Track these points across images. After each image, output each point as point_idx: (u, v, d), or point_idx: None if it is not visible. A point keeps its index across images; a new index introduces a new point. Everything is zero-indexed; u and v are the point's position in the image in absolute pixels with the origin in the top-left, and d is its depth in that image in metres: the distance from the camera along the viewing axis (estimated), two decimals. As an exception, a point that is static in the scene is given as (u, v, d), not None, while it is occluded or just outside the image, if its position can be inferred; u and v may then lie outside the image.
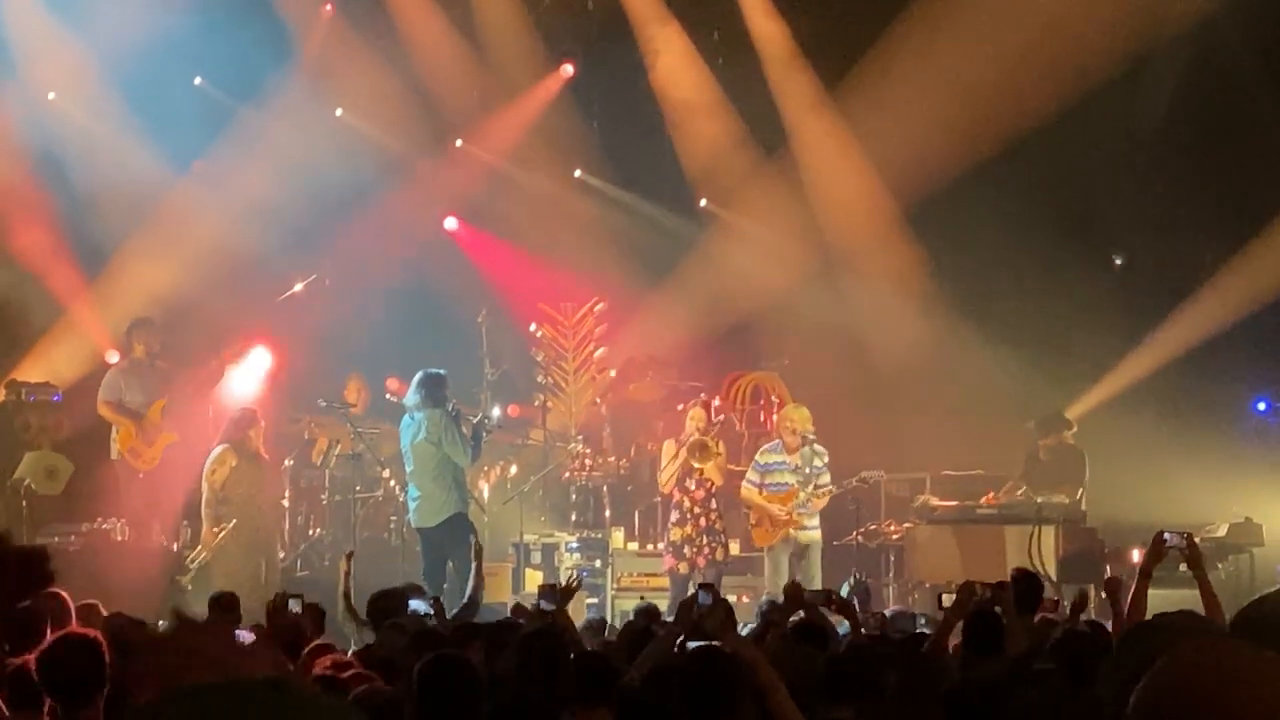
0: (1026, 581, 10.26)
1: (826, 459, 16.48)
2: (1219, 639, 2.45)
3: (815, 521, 16.45)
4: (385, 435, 18.11)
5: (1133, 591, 8.92)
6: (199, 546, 15.70)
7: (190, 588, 15.35)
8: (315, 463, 18.20)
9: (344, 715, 2.35)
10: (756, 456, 16.75)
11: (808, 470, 16.34)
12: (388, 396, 18.62)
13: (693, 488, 16.27)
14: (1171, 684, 2.42)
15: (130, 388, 17.30)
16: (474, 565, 11.97)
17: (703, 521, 16.14)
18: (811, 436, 16.40)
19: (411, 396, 15.68)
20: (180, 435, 17.15)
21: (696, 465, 16.21)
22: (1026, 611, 9.59)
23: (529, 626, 8.54)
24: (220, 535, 15.53)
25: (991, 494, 17.31)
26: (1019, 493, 17.27)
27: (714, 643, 6.88)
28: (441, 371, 15.77)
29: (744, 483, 16.63)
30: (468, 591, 11.93)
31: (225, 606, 10.76)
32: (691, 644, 7.10)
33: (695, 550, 16.11)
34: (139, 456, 17.17)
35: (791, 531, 16.24)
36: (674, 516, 16.50)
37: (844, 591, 12.35)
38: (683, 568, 16.18)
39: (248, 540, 15.71)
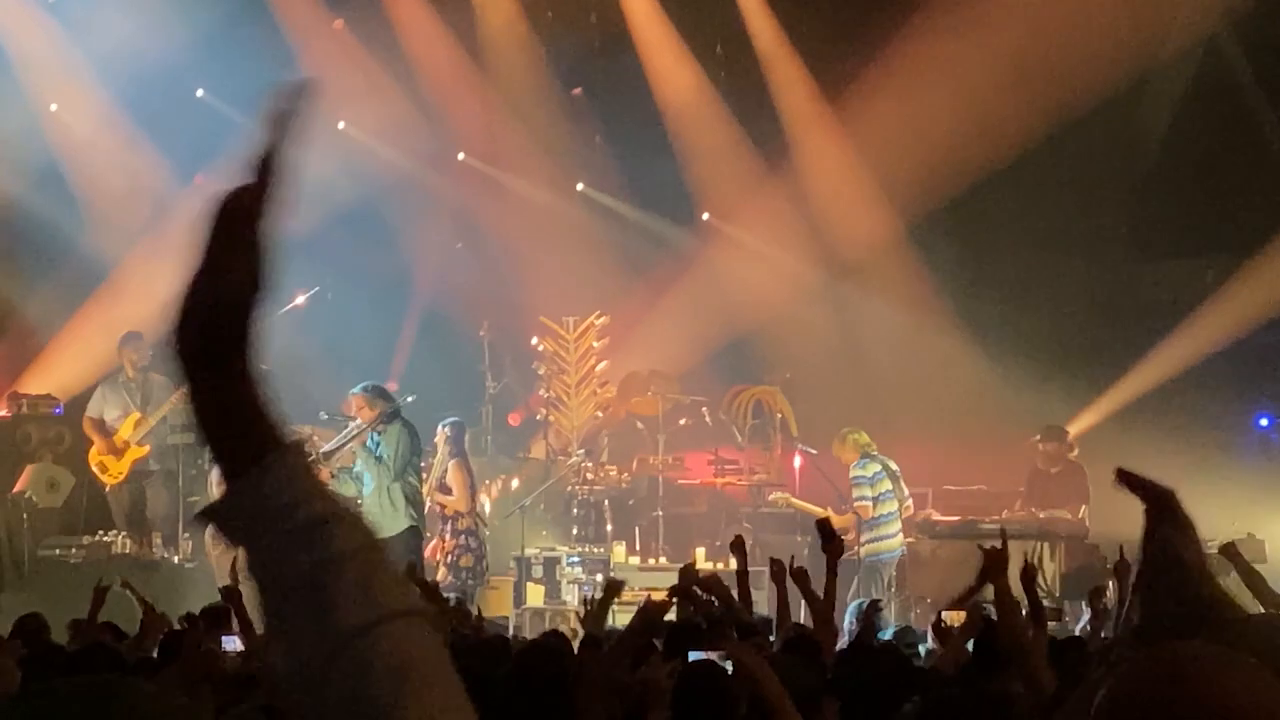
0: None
1: (859, 471, 16.52)
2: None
3: (864, 535, 16.40)
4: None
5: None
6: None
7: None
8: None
9: (184, 714, 2.24)
10: None
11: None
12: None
13: None
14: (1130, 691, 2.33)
15: (110, 403, 17.32)
16: None
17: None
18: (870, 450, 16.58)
19: None
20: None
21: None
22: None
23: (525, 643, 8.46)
24: None
25: (1006, 512, 17.22)
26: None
27: (713, 654, 6.81)
28: (374, 384, 15.82)
29: None
30: None
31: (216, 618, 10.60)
32: (692, 655, 6.98)
33: None
34: (106, 471, 17.19)
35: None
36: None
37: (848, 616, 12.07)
38: None
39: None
